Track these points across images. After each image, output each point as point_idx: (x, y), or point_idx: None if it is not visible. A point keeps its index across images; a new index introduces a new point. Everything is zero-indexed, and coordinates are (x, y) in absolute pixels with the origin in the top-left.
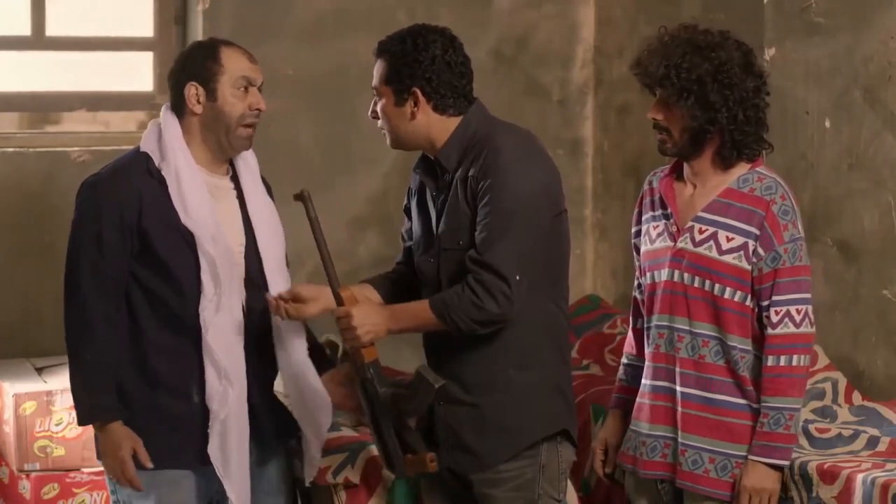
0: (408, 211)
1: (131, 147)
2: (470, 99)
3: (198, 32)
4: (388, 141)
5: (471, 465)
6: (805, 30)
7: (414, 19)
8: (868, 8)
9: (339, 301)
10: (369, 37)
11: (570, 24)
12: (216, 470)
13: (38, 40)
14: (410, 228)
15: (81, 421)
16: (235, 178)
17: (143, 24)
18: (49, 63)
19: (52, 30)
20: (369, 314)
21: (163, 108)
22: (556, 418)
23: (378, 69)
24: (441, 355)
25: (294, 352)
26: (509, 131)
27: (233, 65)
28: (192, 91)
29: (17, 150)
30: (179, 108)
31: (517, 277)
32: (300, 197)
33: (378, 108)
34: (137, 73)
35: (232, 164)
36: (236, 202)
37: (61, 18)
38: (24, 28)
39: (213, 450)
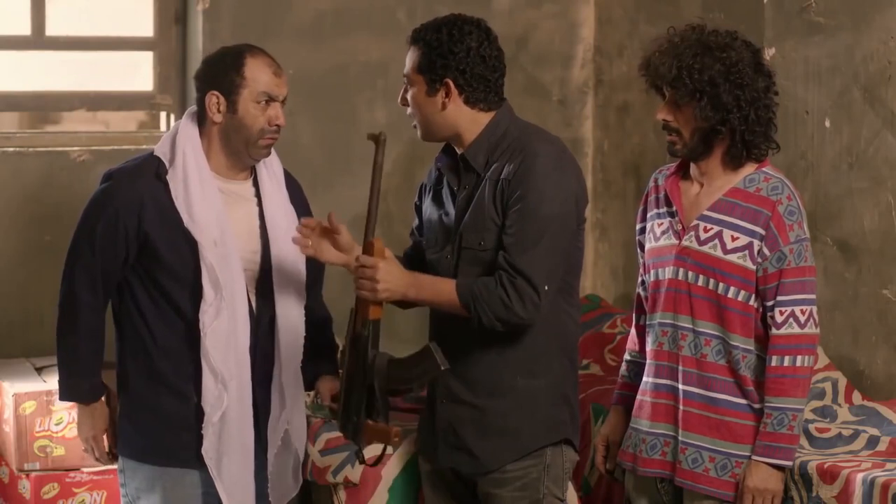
0: (419, 209)
1: (131, 147)
2: (500, 94)
3: (198, 32)
4: (418, 132)
5: (471, 466)
6: (805, 29)
7: (414, 19)
8: (868, 8)
9: (370, 251)
10: (369, 37)
11: (570, 24)
12: (210, 472)
13: (38, 40)
14: (420, 225)
15: (62, 398)
16: (258, 184)
17: (143, 23)
18: (49, 63)
19: (52, 30)
20: (393, 273)
21: (186, 112)
22: (560, 427)
23: (411, 57)
24: (449, 351)
25: (289, 364)
26: (544, 138)
27: (256, 78)
28: (213, 100)
29: (17, 150)
30: (202, 115)
31: (545, 287)
32: (375, 138)
33: (409, 96)
34: (137, 73)
35: (255, 168)
36: (256, 208)
37: (61, 18)
38: (24, 28)
39: (206, 451)
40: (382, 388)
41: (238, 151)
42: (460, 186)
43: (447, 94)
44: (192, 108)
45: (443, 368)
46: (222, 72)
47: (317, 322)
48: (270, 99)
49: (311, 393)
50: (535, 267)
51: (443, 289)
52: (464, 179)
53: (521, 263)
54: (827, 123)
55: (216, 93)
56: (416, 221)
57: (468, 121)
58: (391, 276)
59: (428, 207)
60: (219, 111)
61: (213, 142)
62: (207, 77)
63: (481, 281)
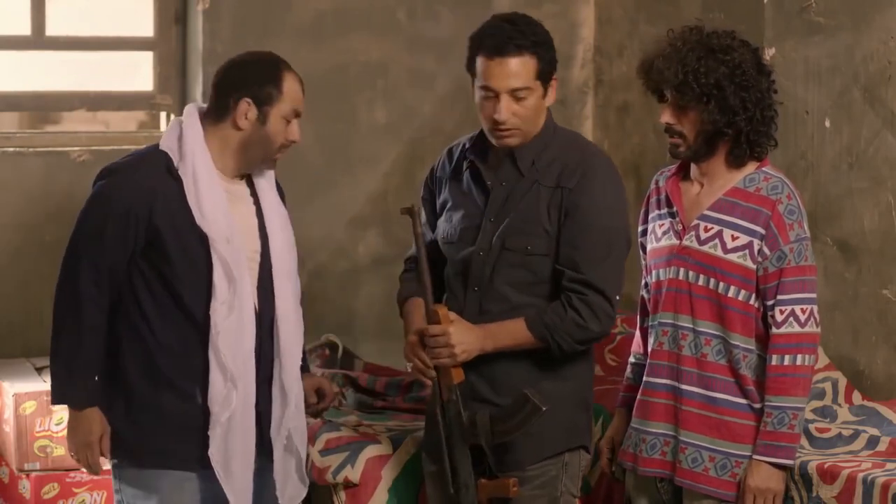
0: (427, 203)
1: (131, 147)
2: None
3: (198, 32)
4: (514, 140)
5: (493, 466)
6: (805, 29)
7: (414, 19)
8: (868, 8)
9: (435, 319)
10: (369, 37)
11: (570, 24)
12: (217, 474)
13: (38, 40)
14: (434, 221)
15: (54, 401)
16: (251, 184)
17: (143, 24)
18: (49, 63)
19: (52, 30)
20: (465, 333)
21: (188, 107)
22: (580, 433)
23: (526, 66)
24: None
25: (290, 364)
26: (595, 149)
27: (291, 95)
28: (245, 107)
29: (17, 150)
30: (222, 115)
31: (616, 297)
32: (409, 211)
33: (523, 106)
34: (137, 73)
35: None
36: (253, 207)
37: (61, 18)
38: (24, 28)
39: (213, 453)
40: (489, 445)
41: (252, 161)
42: (496, 181)
43: (552, 90)
44: (196, 104)
45: (544, 409)
46: (261, 82)
47: None
48: (295, 116)
49: None
50: (609, 279)
51: (516, 330)
52: (501, 175)
53: (595, 277)
54: (827, 123)
55: (249, 100)
56: (426, 217)
57: (541, 118)
58: (464, 337)
59: (448, 200)
60: (247, 119)
61: (228, 145)
62: (240, 82)
63: (550, 309)
